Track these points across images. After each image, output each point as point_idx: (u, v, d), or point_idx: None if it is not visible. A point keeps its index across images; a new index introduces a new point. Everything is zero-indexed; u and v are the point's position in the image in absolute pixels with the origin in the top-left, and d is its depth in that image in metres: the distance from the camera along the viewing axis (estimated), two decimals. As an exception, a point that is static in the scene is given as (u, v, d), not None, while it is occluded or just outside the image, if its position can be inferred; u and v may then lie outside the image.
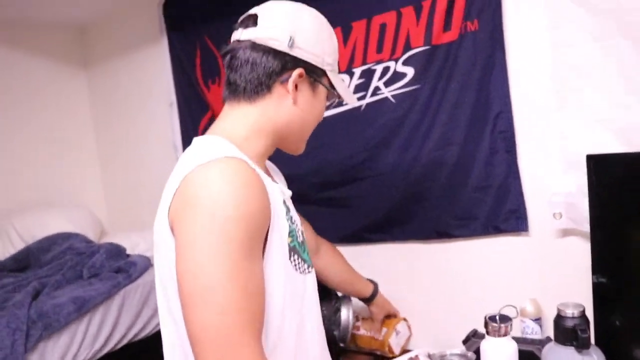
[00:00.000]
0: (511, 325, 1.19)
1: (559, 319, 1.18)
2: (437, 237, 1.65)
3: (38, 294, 1.84)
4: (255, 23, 0.97)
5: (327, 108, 1.11)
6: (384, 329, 1.69)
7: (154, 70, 2.40)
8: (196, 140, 0.98)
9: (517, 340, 1.40)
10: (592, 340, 1.20)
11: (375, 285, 1.67)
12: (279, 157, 1.45)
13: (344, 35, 1.75)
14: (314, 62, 0.98)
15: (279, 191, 0.97)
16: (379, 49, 1.68)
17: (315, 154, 1.87)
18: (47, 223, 2.20)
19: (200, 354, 0.79)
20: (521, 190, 1.49)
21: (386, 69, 1.67)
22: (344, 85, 1.11)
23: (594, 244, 1.26)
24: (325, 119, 1.79)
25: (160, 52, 2.34)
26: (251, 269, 0.83)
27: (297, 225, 1.00)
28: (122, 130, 2.70)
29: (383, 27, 1.66)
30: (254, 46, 0.96)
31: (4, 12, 2.34)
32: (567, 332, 1.15)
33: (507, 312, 1.21)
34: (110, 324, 1.88)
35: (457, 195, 1.59)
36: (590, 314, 1.22)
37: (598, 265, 1.25)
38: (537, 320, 1.45)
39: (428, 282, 1.71)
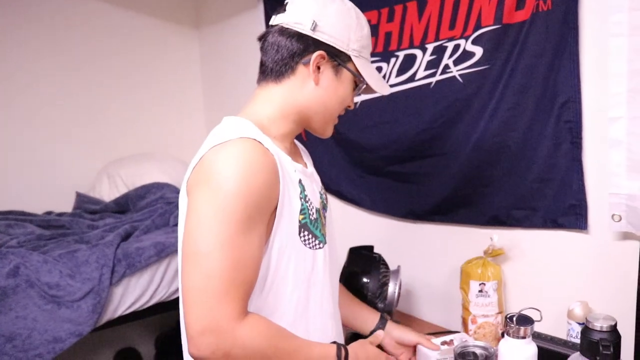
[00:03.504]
0: (532, 328, 1.14)
1: (586, 330, 1.11)
2: (495, 225, 1.59)
3: (129, 235, 2.08)
4: (285, 9, 1.04)
5: (356, 95, 1.12)
6: None
7: (252, 34, 2.50)
8: (224, 120, 1.07)
9: (555, 341, 1.34)
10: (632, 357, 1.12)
11: (383, 318, 1.40)
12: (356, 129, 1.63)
13: (419, 10, 1.70)
14: (337, 46, 1.03)
15: (294, 170, 1.03)
16: (452, 26, 1.62)
17: (385, 128, 1.88)
18: (146, 173, 2.45)
19: (186, 310, 0.89)
20: (583, 186, 1.38)
21: (457, 47, 1.60)
22: (375, 73, 1.12)
23: (645, 253, 1.16)
24: (395, 94, 1.80)
25: (258, 18, 2.44)
26: (245, 242, 0.91)
27: (311, 203, 1.05)
28: (227, 91, 2.87)
29: (457, 2, 1.59)
30: (282, 30, 1.04)
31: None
32: (592, 345, 1.09)
33: (530, 313, 1.16)
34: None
35: (517, 184, 1.51)
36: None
37: (647, 276, 1.15)
38: (583, 324, 1.36)
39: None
